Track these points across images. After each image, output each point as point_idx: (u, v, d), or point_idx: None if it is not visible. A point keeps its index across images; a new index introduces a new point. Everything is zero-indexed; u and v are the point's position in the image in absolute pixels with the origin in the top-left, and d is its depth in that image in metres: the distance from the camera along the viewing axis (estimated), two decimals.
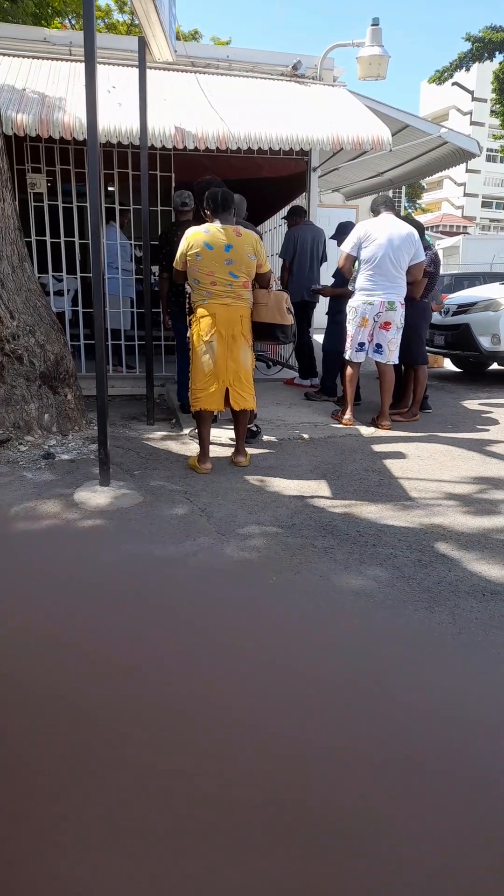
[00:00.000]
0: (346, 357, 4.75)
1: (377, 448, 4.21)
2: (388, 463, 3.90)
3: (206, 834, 0.23)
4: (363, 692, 0.34)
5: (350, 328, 4.68)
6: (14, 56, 5.92)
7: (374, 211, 4.72)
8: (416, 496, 3.35)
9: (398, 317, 4.55)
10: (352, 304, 4.68)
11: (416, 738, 0.30)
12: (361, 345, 4.64)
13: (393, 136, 6.09)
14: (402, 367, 5.24)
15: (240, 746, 0.28)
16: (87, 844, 0.22)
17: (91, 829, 0.23)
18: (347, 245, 4.65)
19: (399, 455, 4.08)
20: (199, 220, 3.90)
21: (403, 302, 4.56)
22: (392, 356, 4.61)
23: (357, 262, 4.66)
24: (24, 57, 5.99)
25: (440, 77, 15.83)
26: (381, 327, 4.59)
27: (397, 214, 4.73)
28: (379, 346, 4.63)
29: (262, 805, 0.24)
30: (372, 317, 4.57)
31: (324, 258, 5.75)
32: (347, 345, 4.70)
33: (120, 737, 0.28)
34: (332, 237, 5.19)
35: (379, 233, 4.50)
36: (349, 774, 0.26)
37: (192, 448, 4.00)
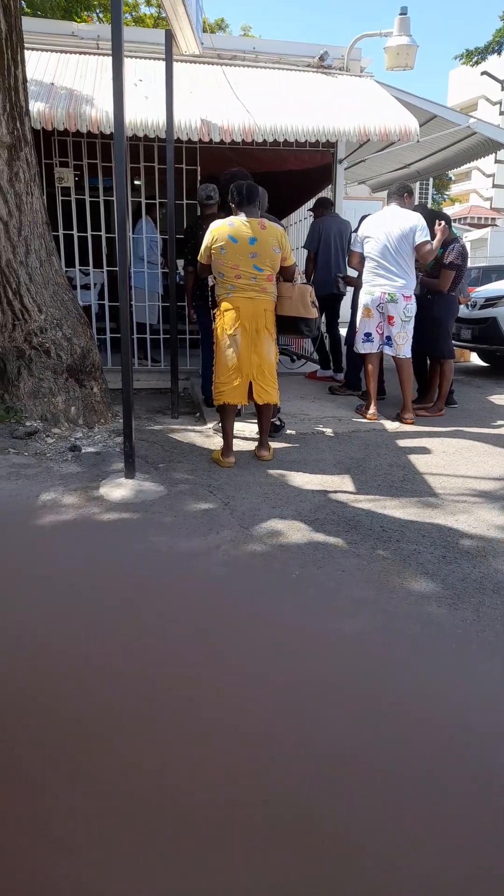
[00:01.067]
0: (354, 348, 4.79)
1: (402, 443, 4.18)
2: (413, 458, 3.87)
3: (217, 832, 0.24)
4: (385, 685, 0.34)
5: (357, 320, 4.72)
6: (43, 51, 5.96)
7: (388, 202, 4.72)
8: (440, 492, 3.32)
9: (401, 310, 4.50)
10: (359, 296, 4.70)
11: (437, 732, 0.30)
12: (367, 335, 4.64)
13: (420, 126, 6.01)
14: (429, 362, 5.19)
15: (270, 730, 0.28)
16: (88, 844, 0.23)
17: (95, 829, 0.24)
18: (354, 243, 4.74)
19: (424, 450, 4.04)
20: (225, 213, 3.90)
21: (410, 295, 4.51)
22: (402, 350, 4.58)
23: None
24: (52, 51, 6.04)
25: (470, 56, 15.30)
26: (388, 321, 4.57)
27: (412, 203, 4.67)
28: (389, 338, 4.61)
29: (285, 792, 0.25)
30: (375, 308, 4.56)
31: (349, 251, 5.72)
32: (355, 336, 4.74)
33: (158, 710, 0.29)
34: (355, 230, 5.15)
35: (377, 227, 4.52)
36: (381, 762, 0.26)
37: (216, 442, 4.01)
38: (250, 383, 3.61)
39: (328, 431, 4.38)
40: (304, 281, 4.03)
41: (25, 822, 0.24)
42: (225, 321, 3.56)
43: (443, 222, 4.56)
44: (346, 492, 3.32)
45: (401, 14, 6.56)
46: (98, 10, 12.50)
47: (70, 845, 0.23)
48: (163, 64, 4.58)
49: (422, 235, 4.38)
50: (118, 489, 3.27)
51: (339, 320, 6.02)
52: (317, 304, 3.77)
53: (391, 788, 0.27)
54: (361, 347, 4.70)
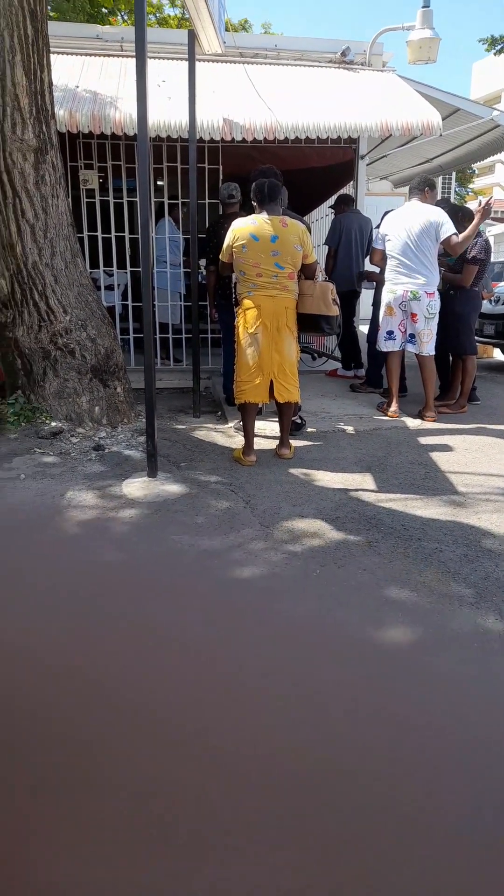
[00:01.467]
0: (377, 346, 4.78)
1: (423, 441, 4.16)
2: (435, 456, 3.85)
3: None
4: (406, 685, 0.36)
5: (379, 317, 4.70)
6: (68, 54, 6.04)
7: (407, 197, 4.71)
8: (463, 490, 3.30)
9: (424, 307, 4.48)
10: (382, 294, 4.69)
11: (461, 733, 0.32)
12: (390, 333, 4.63)
13: (443, 120, 5.96)
14: (451, 358, 5.15)
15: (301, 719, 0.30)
16: (91, 845, 0.25)
17: (99, 830, 0.26)
18: (376, 240, 4.74)
19: (446, 448, 4.02)
20: (247, 212, 3.92)
21: (433, 292, 4.48)
22: (425, 347, 4.55)
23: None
24: (77, 54, 6.11)
25: (494, 43, 14.98)
26: (410, 318, 4.55)
27: (434, 197, 4.63)
28: (412, 336, 4.59)
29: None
30: (397, 306, 4.55)
31: (370, 247, 5.70)
32: (378, 334, 4.73)
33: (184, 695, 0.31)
34: (378, 227, 5.13)
35: (398, 224, 4.50)
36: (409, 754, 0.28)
37: (237, 440, 4.04)
38: (271, 381, 3.62)
39: (349, 429, 4.38)
40: (326, 278, 4.03)
41: (31, 823, 0.26)
42: (246, 319, 3.58)
43: (485, 200, 4.45)
44: (367, 490, 3.32)
45: (423, 7, 6.51)
46: (124, 13, 12.58)
47: (73, 846, 0.25)
48: (186, 64, 4.61)
49: (447, 230, 4.35)
50: (141, 488, 3.32)
51: (360, 317, 6.01)
52: (338, 301, 3.77)
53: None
54: (384, 346, 4.69)
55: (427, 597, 2.29)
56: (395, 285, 4.55)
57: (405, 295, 4.50)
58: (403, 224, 4.46)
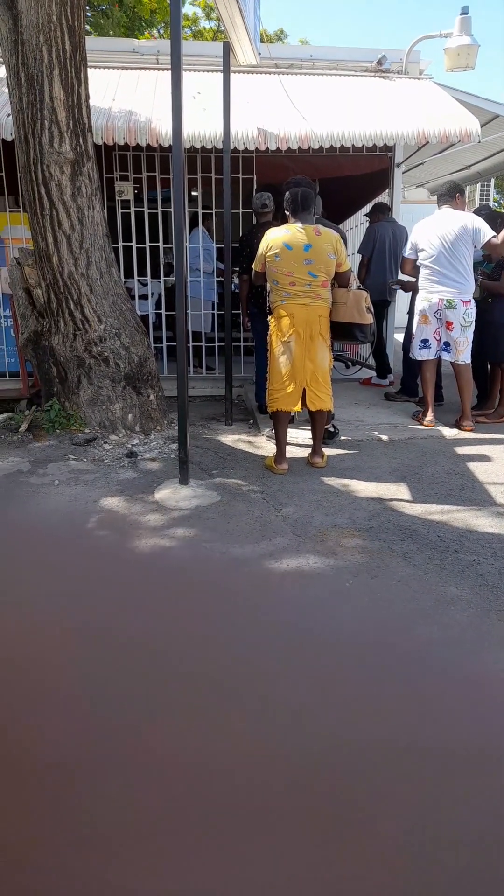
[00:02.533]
0: (411, 354, 4.72)
1: (460, 450, 4.08)
2: (472, 466, 3.76)
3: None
4: (437, 700, 0.33)
5: (413, 326, 4.64)
6: (104, 68, 6.15)
7: (438, 205, 4.62)
8: (501, 501, 3.22)
9: (460, 315, 4.40)
10: (416, 302, 4.63)
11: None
12: (425, 341, 4.56)
13: (482, 126, 5.87)
14: (489, 367, 5.05)
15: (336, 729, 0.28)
16: (97, 840, 0.23)
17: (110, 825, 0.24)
18: (406, 249, 4.69)
19: (483, 458, 3.93)
20: (280, 221, 3.92)
21: (469, 300, 4.41)
22: (461, 355, 4.48)
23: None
24: (113, 68, 6.22)
25: None
26: (446, 326, 4.47)
27: (464, 202, 4.57)
28: (447, 344, 4.52)
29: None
30: (432, 314, 4.48)
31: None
32: (412, 343, 4.67)
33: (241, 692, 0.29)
34: None
35: (431, 233, 4.43)
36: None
37: (269, 448, 4.02)
38: (304, 390, 3.60)
39: (384, 438, 4.32)
40: (359, 286, 3.99)
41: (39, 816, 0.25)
42: (279, 328, 3.56)
43: None
44: (401, 500, 3.26)
45: (462, 14, 6.45)
46: (160, 27, 12.81)
47: (76, 841, 0.24)
48: (221, 76, 4.64)
49: (486, 233, 4.29)
50: (173, 495, 3.32)
51: (395, 325, 5.94)
52: (372, 309, 3.73)
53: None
54: (418, 354, 4.63)
55: (465, 610, 2.22)
56: (430, 293, 4.49)
57: (440, 303, 4.44)
58: (437, 232, 4.40)
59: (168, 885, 0.21)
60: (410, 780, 0.26)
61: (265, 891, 0.21)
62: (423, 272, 4.53)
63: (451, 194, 4.51)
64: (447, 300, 4.42)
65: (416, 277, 4.66)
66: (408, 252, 4.64)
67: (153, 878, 0.22)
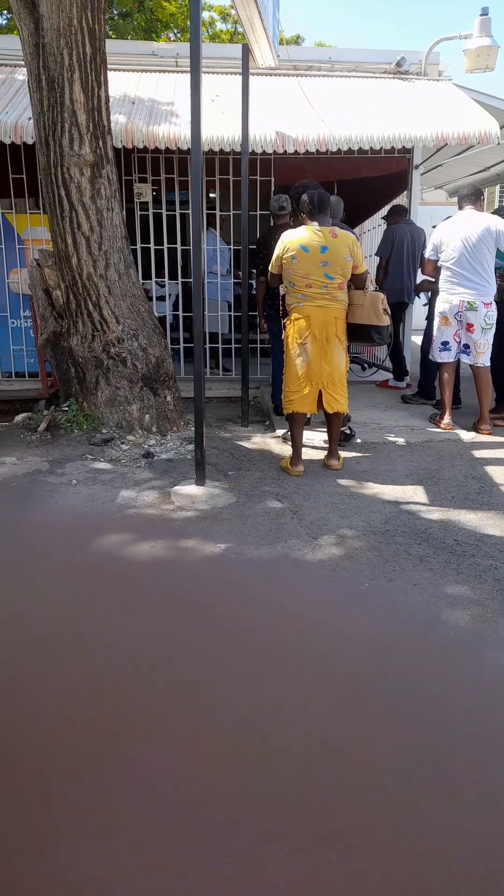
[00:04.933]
0: (430, 357, 4.68)
1: (478, 454, 4.04)
2: (490, 469, 3.73)
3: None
4: (451, 707, 0.33)
5: (433, 328, 4.61)
6: (124, 71, 6.20)
7: (459, 206, 4.59)
8: None
9: (481, 317, 4.37)
10: (436, 304, 4.60)
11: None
12: (445, 343, 4.53)
13: (502, 128, 5.82)
14: None
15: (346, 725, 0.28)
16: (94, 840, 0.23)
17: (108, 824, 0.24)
18: (427, 250, 4.66)
19: (502, 462, 3.89)
20: (297, 224, 3.91)
21: (490, 302, 4.37)
22: (481, 358, 4.44)
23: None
24: (132, 71, 6.26)
25: None
26: (466, 328, 4.44)
27: (483, 206, 4.54)
28: (466, 346, 4.48)
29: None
30: (453, 316, 4.45)
31: (422, 258, 5.61)
32: (432, 345, 4.63)
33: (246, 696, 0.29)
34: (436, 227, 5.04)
35: (453, 234, 4.40)
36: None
37: (285, 450, 4.02)
38: (320, 392, 3.59)
39: (400, 441, 4.29)
40: (376, 288, 3.98)
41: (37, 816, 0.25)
42: (295, 330, 3.56)
43: None
44: (418, 503, 3.24)
45: (481, 15, 6.41)
46: (176, 31, 12.87)
47: (74, 841, 0.24)
48: (239, 78, 4.66)
49: None
50: (189, 495, 3.33)
51: (413, 327, 5.91)
52: (389, 311, 3.71)
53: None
54: (438, 356, 4.59)
55: (480, 615, 2.21)
56: (451, 295, 4.46)
57: (461, 305, 4.41)
58: (459, 233, 4.37)
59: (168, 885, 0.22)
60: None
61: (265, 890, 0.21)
62: (444, 274, 4.50)
63: (476, 196, 4.49)
64: (468, 302, 4.39)
65: (437, 279, 4.63)
66: (429, 253, 4.61)
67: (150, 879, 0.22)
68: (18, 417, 4.64)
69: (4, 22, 11.22)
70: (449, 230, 4.46)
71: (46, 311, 4.43)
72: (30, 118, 4.63)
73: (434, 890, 0.22)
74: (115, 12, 11.32)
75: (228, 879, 0.22)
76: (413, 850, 0.23)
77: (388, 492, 3.38)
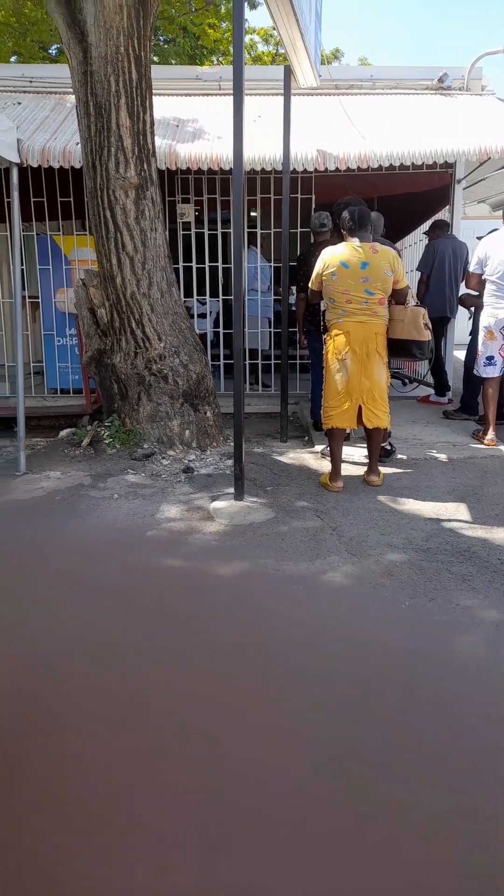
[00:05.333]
0: (475, 372, 4.60)
1: None
2: None
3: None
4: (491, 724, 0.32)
5: (478, 342, 4.53)
6: (169, 95, 6.36)
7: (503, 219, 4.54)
8: None
9: None
10: (481, 318, 4.53)
11: None
12: (490, 358, 4.45)
13: None
14: None
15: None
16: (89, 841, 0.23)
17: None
18: (472, 264, 4.62)
19: None
20: (338, 240, 3.93)
21: None
22: None
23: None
24: (177, 95, 6.43)
25: None
26: None
27: None
28: None
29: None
30: (498, 331, 4.37)
31: (464, 273, 5.55)
32: (476, 359, 4.56)
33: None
34: (480, 238, 4.98)
35: (498, 248, 4.36)
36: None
37: (325, 466, 4.00)
38: (360, 407, 3.57)
39: (442, 457, 4.22)
40: (417, 303, 3.95)
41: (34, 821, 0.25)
42: (335, 345, 3.56)
43: None
44: (460, 521, 3.18)
45: None
46: (220, 55, 13.15)
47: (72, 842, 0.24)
48: (281, 98, 4.73)
49: None
50: (227, 510, 3.34)
51: (455, 342, 5.83)
52: (430, 326, 3.68)
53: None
54: (483, 371, 4.52)
55: None
56: (497, 309, 4.40)
57: None
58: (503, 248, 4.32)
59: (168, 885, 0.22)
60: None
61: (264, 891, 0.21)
62: (488, 288, 4.44)
63: None
64: None
65: (481, 293, 4.57)
66: (473, 266, 4.57)
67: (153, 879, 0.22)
68: (63, 433, 4.76)
69: (55, 52, 11.67)
70: (494, 244, 4.41)
71: (91, 329, 4.54)
72: (77, 143, 4.79)
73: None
74: (161, 39, 11.65)
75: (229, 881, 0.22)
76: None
77: (430, 509, 3.33)
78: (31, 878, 0.23)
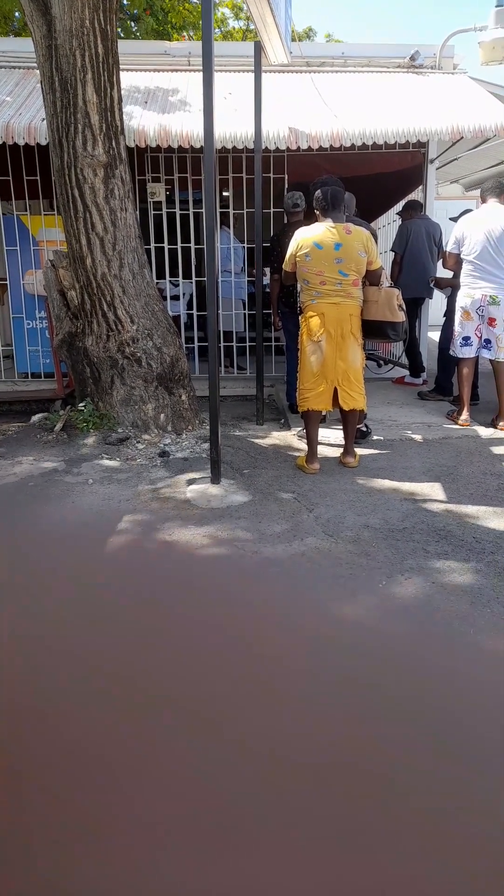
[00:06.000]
0: (451, 352, 4.63)
1: (497, 450, 4.00)
2: None
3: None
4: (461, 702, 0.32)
5: (455, 323, 4.55)
6: (136, 70, 6.21)
7: (482, 199, 4.52)
8: None
9: (503, 311, 4.32)
10: (458, 299, 4.54)
11: None
12: (466, 339, 4.48)
13: None
14: None
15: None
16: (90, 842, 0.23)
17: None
18: (449, 244, 4.59)
19: None
20: (311, 221, 3.90)
21: None
22: (502, 353, 4.39)
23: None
24: (145, 70, 6.27)
25: None
26: (488, 323, 4.39)
27: None
28: (487, 341, 4.44)
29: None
30: (475, 311, 4.40)
31: (440, 252, 5.55)
32: (453, 340, 4.58)
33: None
34: (452, 218, 4.97)
35: (476, 227, 4.36)
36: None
37: (301, 448, 4.00)
38: (336, 389, 3.57)
39: (417, 438, 4.26)
40: (391, 284, 3.95)
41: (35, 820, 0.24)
42: (310, 327, 3.55)
43: None
44: (436, 500, 3.21)
45: (497, 6, 6.33)
46: (190, 31, 12.86)
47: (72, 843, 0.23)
48: (251, 76, 4.64)
49: None
50: (204, 494, 3.33)
51: (429, 323, 5.86)
52: (404, 307, 3.68)
53: None
54: (460, 352, 4.55)
55: (501, 614, 2.18)
56: (473, 289, 4.41)
57: (483, 299, 4.37)
58: (483, 227, 4.32)
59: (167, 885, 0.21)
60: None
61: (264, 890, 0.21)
62: (465, 268, 4.45)
63: (500, 189, 4.43)
64: (490, 296, 4.34)
65: (458, 273, 4.58)
66: (450, 246, 4.55)
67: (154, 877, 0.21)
68: (35, 418, 4.68)
69: (17, 25, 11.29)
70: (472, 223, 4.41)
71: (61, 312, 4.45)
72: (43, 119, 4.65)
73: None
74: (127, 13, 11.35)
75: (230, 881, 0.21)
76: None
77: (405, 489, 3.36)
78: (32, 879, 0.22)
